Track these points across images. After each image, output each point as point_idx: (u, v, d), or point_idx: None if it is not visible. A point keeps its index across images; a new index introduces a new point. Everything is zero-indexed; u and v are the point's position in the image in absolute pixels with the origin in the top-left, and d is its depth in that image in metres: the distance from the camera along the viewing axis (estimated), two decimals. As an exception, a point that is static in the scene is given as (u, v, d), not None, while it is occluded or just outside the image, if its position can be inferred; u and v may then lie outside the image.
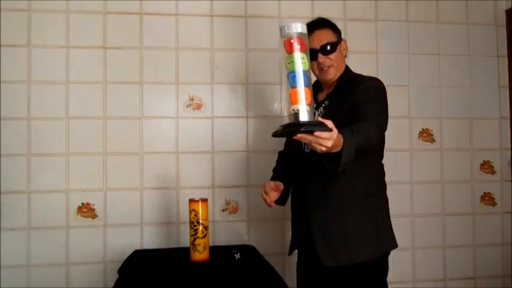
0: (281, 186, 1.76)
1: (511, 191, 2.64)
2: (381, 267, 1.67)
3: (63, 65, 2.29)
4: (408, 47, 2.58)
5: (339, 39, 1.73)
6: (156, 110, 2.36)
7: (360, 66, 2.49)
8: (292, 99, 1.20)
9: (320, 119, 1.24)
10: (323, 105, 1.72)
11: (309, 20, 2.54)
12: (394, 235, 1.71)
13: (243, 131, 2.43)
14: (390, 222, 1.72)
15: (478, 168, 2.62)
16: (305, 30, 1.24)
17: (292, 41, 1.21)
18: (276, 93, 2.46)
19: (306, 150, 1.70)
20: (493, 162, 2.63)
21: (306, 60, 1.22)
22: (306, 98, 1.19)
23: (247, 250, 2.08)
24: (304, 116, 1.18)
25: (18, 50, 2.26)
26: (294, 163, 1.79)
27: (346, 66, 1.77)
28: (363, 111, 1.53)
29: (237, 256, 1.89)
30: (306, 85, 1.20)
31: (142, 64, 2.36)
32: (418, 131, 2.57)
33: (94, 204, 2.29)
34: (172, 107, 2.38)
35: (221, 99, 2.42)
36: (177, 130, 2.37)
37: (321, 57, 1.68)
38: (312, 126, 1.19)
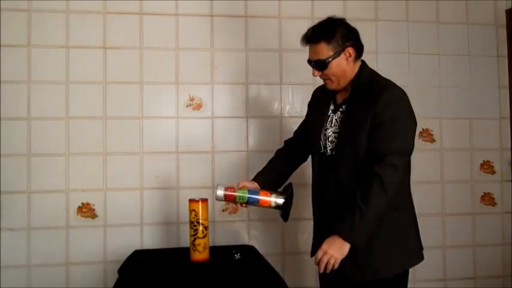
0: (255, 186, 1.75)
1: (511, 191, 2.64)
2: (404, 278, 1.64)
3: (63, 65, 2.29)
4: (408, 47, 2.58)
5: (339, 48, 1.59)
6: (156, 110, 2.36)
7: (360, 66, 2.51)
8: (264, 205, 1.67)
9: None
10: (340, 109, 1.66)
11: (308, 19, 2.55)
12: (421, 246, 1.68)
13: (243, 131, 2.43)
14: (418, 233, 1.69)
15: (478, 168, 2.62)
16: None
17: (226, 197, 1.66)
18: (276, 93, 2.46)
19: (328, 153, 1.66)
20: (493, 162, 2.63)
21: (243, 194, 1.66)
22: (266, 202, 1.66)
23: (247, 250, 2.08)
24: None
25: (18, 50, 2.26)
26: (314, 165, 1.75)
27: (362, 67, 1.67)
28: (378, 146, 1.52)
29: (237, 256, 1.89)
30: (259, 199, 1.66)
31: (142, 64, 2.36)
32: (418, 131, 2.57)
33: (94, 204, 2.29)
34: (172, 107, 2.38)
35: (221, 99, 2.42)
36: (177, 130, 2.37)
37: (315, 72, 1.64)
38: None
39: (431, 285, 2.53)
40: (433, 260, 2.54)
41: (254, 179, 1.79)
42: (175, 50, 2.39)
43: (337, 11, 2.49)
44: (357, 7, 2.55)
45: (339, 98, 1.70)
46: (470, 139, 2.62)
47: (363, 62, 1.69)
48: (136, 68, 2.35)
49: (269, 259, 1.97)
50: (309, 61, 1.65)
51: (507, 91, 2.66)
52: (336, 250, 1.49)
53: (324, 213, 1.69)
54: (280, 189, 1.70)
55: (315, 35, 1.60)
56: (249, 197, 1.65)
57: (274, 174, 1.82)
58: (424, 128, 2.58)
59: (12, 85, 2.25)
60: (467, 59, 2.63)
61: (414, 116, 1.61)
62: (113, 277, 1.90)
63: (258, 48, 2.45)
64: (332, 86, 1.66)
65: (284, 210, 1.65)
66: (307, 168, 1.91)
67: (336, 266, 1.50)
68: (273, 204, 1.65)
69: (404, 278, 1.64)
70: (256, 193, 1.66)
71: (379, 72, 2.56)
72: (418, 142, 2.55)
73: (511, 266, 2.61)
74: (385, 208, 1.51)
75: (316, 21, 2.48)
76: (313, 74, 1.65)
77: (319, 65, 1.61)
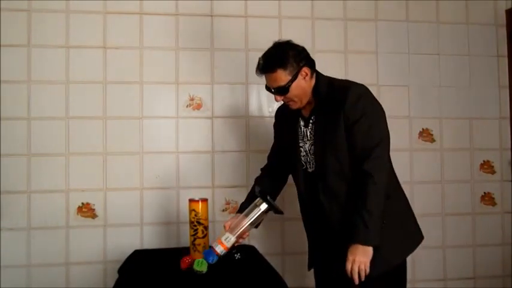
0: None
1: (511, 191, 2.64)
2: (403, 267, 1.70)
3: (63, 65, 2.29)
4: (408, 47, 2.58)
5: (295, 71, 1.62)
6: (156, 110, 2.36)
7: (360, 66, 2.51)
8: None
9: None
10: (311, 121, 1.70)
11: (308, 19, 2.54)
12: (419, 228, 1.75)
13: (243, 131, 2.43)
14: (413, 215, 1.75)
15: (478, 168, 2.62)
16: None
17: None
18: (276, 93, 2.46)
19: (309, 170, 1.71)
20: (493, 162, 2.63)
21: (202, 265, 1.63)
22: (223, 246, 1.66)
23: (247, 250, 2.08)
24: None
25: (18, 50, 2.26)
26: (298, 182, 1.78)
27: (317, 77, 1.69)
28: (361, 144, 1.58)
29: (237, 256, 1.89)
30: (217, 255, 1.65)
31: (142, 64, 2.36)
32: (418, 131, 2.58)
33: (94, 204, 2.29)
34: (172, 107, 2.38)
35: (221, 99, 2.42)
36: (177, 130, 2.37)
37: (277, 97, 1.68)
38: None
39: (431, 285, 2.53)
40: (433, 260, 2.54)
41: (239, 211, 1.82)
42: (175, 50, 2.39)
43: (337, 11, 2.52)
44: (357, 7, 2.55)
45: (305, 112, 1.73)
46: (470, 139, 2.62)
47: (317, 72, 1.72)
48: (136, 68, 2.35)
49: (269, 259, 1.97)
50: (268, 88, 1.69)
51: (507, 91, 2.66)
52: (362, 255, 1.53)
53: (321, 223, 1.71)
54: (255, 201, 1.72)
55: (270, 64, 1.63)
56: (208, 260, 1.64)
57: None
58: (424, 128, 2.58)
59: (12, 85, 2.25)
60: (467, 59, 2.63)
61: (379, 103, 1.67)
62: (113, 277, 1.90)
63: (258, 48, 2.44)
64: (295, 106, 1.70)
65: (274, 209, 1.68)
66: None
67: (368, 270, 1.53)
68: (248, 228, 1.69)
69: (403, 267, 1.69)
70: (210, 251, 1.66)
71: (380, 73, 2.57)
72: (418, 142, 2.57)
73: (511, 266, 2.61)
74: (384, 200, 1.56)
75: (315, 21, 2.49)
76: (276, 100, 1.70)
77: (280, 91, 1.64)
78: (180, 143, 2.37)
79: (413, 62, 2.58)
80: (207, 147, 2.40)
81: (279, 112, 1.90)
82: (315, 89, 1.68)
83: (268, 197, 1.68)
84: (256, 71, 1.68)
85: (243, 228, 1.68)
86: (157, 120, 2.36)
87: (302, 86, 1.65)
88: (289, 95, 1.65)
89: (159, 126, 2.36)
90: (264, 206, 1.68)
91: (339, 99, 1.61)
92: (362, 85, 1.66)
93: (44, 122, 2.27)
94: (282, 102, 1.74)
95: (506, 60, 2.66)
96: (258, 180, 1.91)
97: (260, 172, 1.96)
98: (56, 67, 2.29)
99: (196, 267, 1.62)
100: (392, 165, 1.73)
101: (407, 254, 1.69)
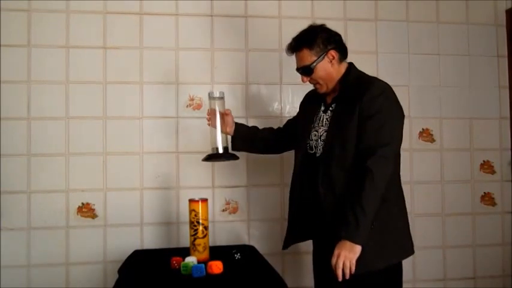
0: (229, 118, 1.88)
1: (511, 191, 2.64)
2: (397, 272, 1.67)
3: (63, 65, 2.29)
4: (408, 47, 2.59)
5: (322, 52, 1.67)
6: (156, 110, 2.36)
7: (360, 66, 2.49)
8: None
9: None
10: (330, 108, 1.72)
11: (308, 19, 2.55)
12: (411, 241, 1.71)
13: (243, 131, 2.43)
14: (408, 227, 1.71)
15: (478, 168, 2.62)
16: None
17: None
18: (276, 93, 2.46)
19: (319, 151, 1.71)
20: (493, 162, 2.63)
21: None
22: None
23: (247, 250, 2.08)
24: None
25: (18, 50, 2.26)
26: (297, 163, 1.80)
27: (349, 66, 1.74)
28: (369, 139, 1.57)
29: (237, 256, 1.89)
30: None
31: (142, 64, 2.36)
32: (418, 131, 2.58)
33: (94, 204, 2.29)
34: (172, 107, 2.38)
35: (221, 99, 2.42)
36: (177, 130, 2.37)
37: (304, 78, 1.74)
38: None
39: (431, 285, 2.53)
40: (433, 260, 2.54)
41: (236, 124, 1.94)
42: (175, 50, 2.39)
43: (337, 11, 2.52)
44: (357, 7, 2.55)
45: (329, 99, 1.76)
46: (470, 139, 2.62)
47: (351, 63, 1.75)
48: (136, 68, 2.35)
49: (269, 259, 1.97)
50: (297, 69, 1.74)
51: (507, 91, 2.66)
52: (349, 251, 1.52)
53: (314, 209, 1.71)
54: None
55: (297, 43, 1.70)
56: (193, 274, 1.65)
57: (251, 135, 1.98)
58: (424, 128, 2.58)
59: (12, 85, 2.25)
60: (467, 59, 2.63)
61: (401, 107, 1.68)
62: (113, 277, 1.90)
63: (258, 48, 2.44)
64: (322, 90, 1.73)
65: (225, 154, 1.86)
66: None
67: (353, 267, 1.52)
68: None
69: (397, 270, 1.66)
70: (200, 268, 1.66)
71: (380, 73, 2.57)
72: (418, 142, 2.57)
73: (511, 266, 2.62)
74: (380, 200, 1.54)
75: (316, 21, 2.49)
76: (302, 81, 1.75)
77: (305, 70, 1.70)
78: (180, 143, 2.37)
79: (413, 62, 2.58)
80: (207, 147, 2.39)
81: (309, 93, 1.95)
82: (343, 78, 1.70)
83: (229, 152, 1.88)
84: (287, 50, 1.74)
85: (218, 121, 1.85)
86: (157, 120, 2.36)
87: (327, 68, 1.68)
88: (314, 75, 1.69)
89: (158, 126, 2.36)
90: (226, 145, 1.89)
91: (360, 91, 1.62)
92: (386, 83, 1.67)
93: (44, 122, 2.27)
94: (311, 88, 1.79)
95: (506, 60, 2.66)
96: (265, 128, 2.04)
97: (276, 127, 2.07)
98: (56, 67, 2.29)
99: (183, 271, 1.67)
100: (399, 171, 1.70)
101: (391, 262, 1.62)
